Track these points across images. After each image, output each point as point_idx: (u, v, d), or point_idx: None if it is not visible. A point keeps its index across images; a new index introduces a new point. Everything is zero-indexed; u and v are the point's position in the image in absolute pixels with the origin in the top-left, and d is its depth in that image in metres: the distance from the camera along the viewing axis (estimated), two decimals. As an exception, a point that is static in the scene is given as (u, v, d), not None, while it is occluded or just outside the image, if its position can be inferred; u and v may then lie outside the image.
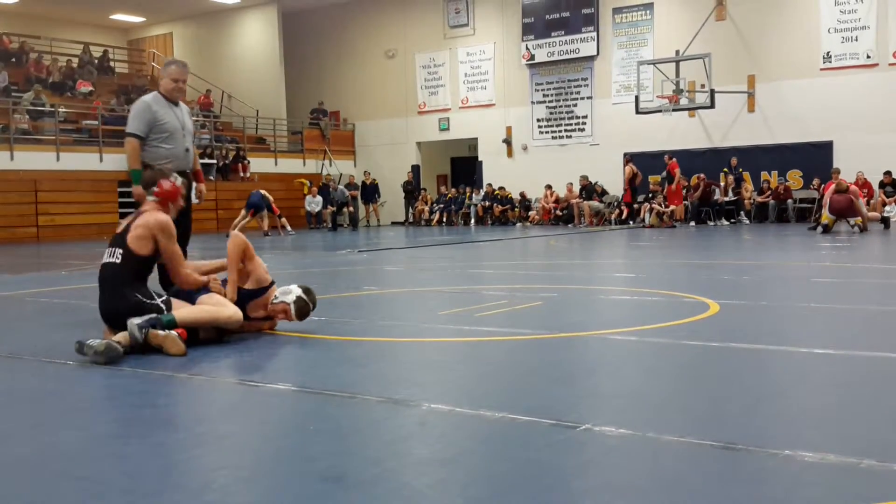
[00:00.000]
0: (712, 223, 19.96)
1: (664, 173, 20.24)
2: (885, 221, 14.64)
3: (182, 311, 4.41)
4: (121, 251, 4.51)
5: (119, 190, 20.96)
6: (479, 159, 25.52)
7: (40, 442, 2.80)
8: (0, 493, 2.30)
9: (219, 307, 4.50)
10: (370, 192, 25.20)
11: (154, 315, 4.27)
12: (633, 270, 9.14)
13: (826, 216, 14.64)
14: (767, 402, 3.13)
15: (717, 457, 2.44)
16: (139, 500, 2.21)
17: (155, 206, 4.66)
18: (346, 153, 27.25)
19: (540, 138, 24.23)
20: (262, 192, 19.45)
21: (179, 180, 4.80)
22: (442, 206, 24.67)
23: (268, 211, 19.24)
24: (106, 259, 4.58)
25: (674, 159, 20.25)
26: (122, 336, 4.20)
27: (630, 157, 21.46)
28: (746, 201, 20.26)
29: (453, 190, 25.19)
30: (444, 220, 24.42)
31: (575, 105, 23.55)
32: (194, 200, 5.86)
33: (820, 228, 14.71)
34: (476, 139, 25.53)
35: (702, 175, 20.46)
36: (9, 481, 2.41)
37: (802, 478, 2.26)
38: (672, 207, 19.76)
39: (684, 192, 20.39)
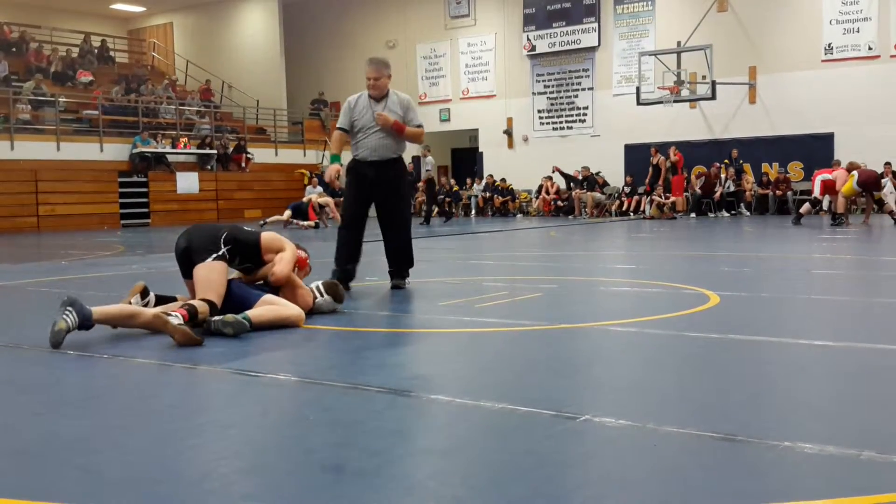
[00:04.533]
0: (713, 215, 19.95)
1: (651, 162, 20.31)
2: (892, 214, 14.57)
3: (254, 311, 4.57)
4: (249, 227, 5.09)
5: (119, 180, 20.98)
6: (480, 150, 25.49)
7: (41, 431, 2.80)
8: (1, 482, 2.31)
9: (283, 307, 4.70)
10: None
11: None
12: (634, 262, 9.14)
13: (851, 188, 14.24)
14: (767, 393, 3.13)
15: (717, 448, 2.44)
16: (139, 489, 2.21)
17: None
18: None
19: (541, 129, 24.21)
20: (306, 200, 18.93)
21: (305, 254, 5.37)
22: (442, 196, 24.62)
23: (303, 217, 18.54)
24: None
25: (678, 153, 20.29)
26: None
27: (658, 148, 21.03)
28: (747, 193, 20.26)
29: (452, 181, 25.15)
30: (445, 210, 24.35)
31: (576, 96, 23.52)
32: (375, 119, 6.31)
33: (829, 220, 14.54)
34: (477, 130, 25.50)
35: (717, 164, 20.41)
36: (10, 470, 2.41)
37: (802, 469, 2.26)
38: (673, 199, 19.78)
39: (685, 183, 20.43)
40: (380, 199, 6.41)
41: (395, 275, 6.46)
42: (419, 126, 6.32)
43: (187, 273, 4.76)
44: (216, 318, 4.41)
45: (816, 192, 15.11)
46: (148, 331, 4.52)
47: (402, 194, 6.55)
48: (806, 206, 15.22)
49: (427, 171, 19.40)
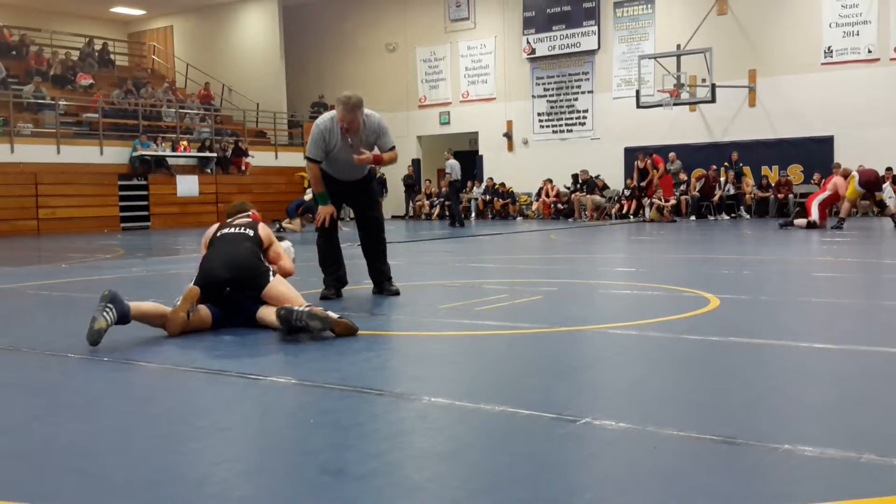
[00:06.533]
0: (712, 217, 19.96)
1: (638, 166, 20.62)
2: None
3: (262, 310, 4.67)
4: (252, 231, 5.00)
5: (119, 183, 20.98)
6: (480, 153, 25.50)
7: (41, 434, 2.80)
8: (1, 484, 2.31)
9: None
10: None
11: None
12: (634, 265, 9.14)
13: (854, 190, 14.04)
14: (767, 396, 3.13)
15: (717, 451, 2.44)
16: (139, 492, 2.21)
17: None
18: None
19: (540, 132, 24.22)
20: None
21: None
22: (442, 199, 24.66)
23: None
24: (229, 230, 4.99)
25: (655, 155, 20.47)
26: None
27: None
28: (747, 196, 20.27)
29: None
30: (446, 213, 24.40)
31: (576, 99, 23.53)
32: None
33: (803, 221, 14.25)
34: (477, 133, 25.51)
35: (714, 167, 20.47)
36: (9, 474, 2.41)
37: (802, 472, 2.26)
38: (672, 201, 19.81)
39: (684, 186, 20.47)
40: (351, 201, 6.43)
41: (380, 281, 6.36)
42: (392, 148, 6.17)
43: (212, 298, 4.69)
44: (302, 308, 4.36)
45: (815, 217, 14.10)
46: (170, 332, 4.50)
47: (371, 196, 6.47)
48: (801, 221, 14.50)
49: (448, 173, 19.54)
